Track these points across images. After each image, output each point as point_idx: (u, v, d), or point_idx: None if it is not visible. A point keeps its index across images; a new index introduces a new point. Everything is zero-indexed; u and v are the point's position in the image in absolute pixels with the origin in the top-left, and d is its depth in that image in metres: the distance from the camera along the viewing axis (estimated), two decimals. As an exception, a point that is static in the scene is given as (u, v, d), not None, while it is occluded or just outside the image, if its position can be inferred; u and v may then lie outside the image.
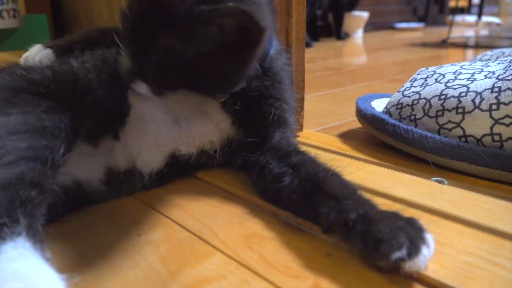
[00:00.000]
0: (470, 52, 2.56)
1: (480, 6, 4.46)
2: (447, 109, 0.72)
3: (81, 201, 0.62)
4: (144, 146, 0.64)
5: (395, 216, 0.46)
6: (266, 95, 0.63)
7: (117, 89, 0.62)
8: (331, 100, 1.34)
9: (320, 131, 0.97)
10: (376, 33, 4.09)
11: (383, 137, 0.79)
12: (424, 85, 0.80)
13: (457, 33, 3.71)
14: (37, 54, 0.67)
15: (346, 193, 0.49)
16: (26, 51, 0.71)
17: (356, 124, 0.99)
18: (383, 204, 0.50)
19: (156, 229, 0.56)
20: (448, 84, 0.75)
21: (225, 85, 0.59)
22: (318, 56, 2.48)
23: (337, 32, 3.59)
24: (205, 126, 0.65)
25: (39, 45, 0.69)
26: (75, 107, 0.57)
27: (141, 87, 0.59)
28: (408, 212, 0.48)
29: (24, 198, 0.41)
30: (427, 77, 0.83)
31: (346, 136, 0.92)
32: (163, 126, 0.64)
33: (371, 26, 4.23)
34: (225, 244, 0.52)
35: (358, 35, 3.81)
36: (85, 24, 1.63)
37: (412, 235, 0.43)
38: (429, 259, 0.43)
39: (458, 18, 4.37)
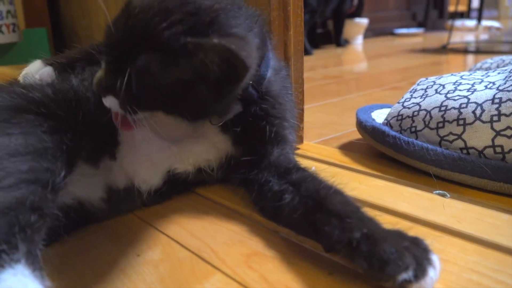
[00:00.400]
0: (470, 58, 2.56)
1: (480, 10, 4.47)
2: (448, 121, 0.71)
3: (82, 221, 0.61)
4: (139, 165, 0.63)
5: (400, 235, 0.45)
6: (264, 116, 0.62)
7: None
8: (331, 110, 1.33)
9: (320, 143, 0.96)
10: (376, 39, 4.09)
11: (383, 149, 0.79)
12: (424, 96, 0.80)
13: (457, 38, 3.71)
14: (37, 71, 0.66)
15: (349, 211, 0.48)
16: (26, 66, 0.70)
17: (356, 135, 0.98)
18: (385, 219, 0.49)
19: (155, 248, 0.55)
20: (448, 95, 0.75)
21: (201, 113, 0.58)
22: (319, 64, 2.48)
23: (337, 39, 3.59)
24: (201, 145, 0.64)
25: (39, 61, 0.68)
26: (76, 128, 0.56)
27: (112, 102, 0.56)
28: (410, 227, 0.47)
29: (23, 223, 0.40)
30: (427, 87, 0.82)
31: (347, 148, 0.91)
32: (154, 144, 0.63)
33: (371, 32, 4.23)
34: (225, 264, 0.51)
35: (358, 42, 3.81)
36: (85, 38, 1.63)
37: (418, 256, 0.42)
38: (435, 281, 0.42)
39: (458, 23, 4.37)
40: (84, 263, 0.53)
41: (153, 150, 0.63)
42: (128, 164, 0.63)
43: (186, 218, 0.63)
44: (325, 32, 3.78)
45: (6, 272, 0.37)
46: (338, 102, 1.44)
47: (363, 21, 3.76)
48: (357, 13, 3.69)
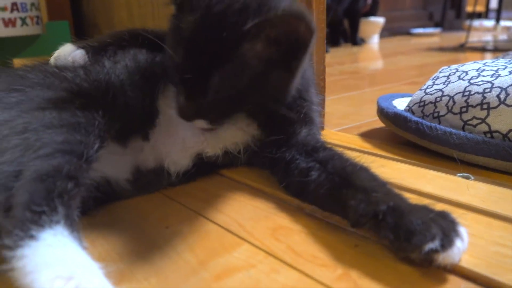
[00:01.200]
0: (488, 56, 2.54)
1: (498, 11, 4.42)
2: (471, 105, 0.72)
3: (109, 197, 0.63)
4: (173, 147, 0.65)
5: (426, 209, 0.46)
6: (295, 97, 0.63)
7: (147, 91, 0.63)
8: (349, 102, 1.34)
9: (340, 131, 0.97)
10: (392, 39, 4.07)
11: (406, 135, 0.79)
12: (446, 83, 0.80)
13: (474, 38, 3.67)
14: (69, 54, 0.67)
15: (375, 186, 0.49)
16: (51, 55, 0.71)
17: (376, 124, 0.99)
18: (408, 198, 0.50)
19: (183, 222, 0.57)
20: (472, 81, 0.75)
21: (280, 97, 0.59)
22: (334, 61, 2.48)
23: (353, 38, 3.59)
24: (229, 129, 0.66)
25: (70, 44, 0.69)
26: (107, 107, 0.58)
27: (201, 124, 0.60)
28: (434, 205, 0.47)
29: (61, 189, 0.42)
30: (449, 75, 0.82)
31: (368, 135, 0.92)
32: (189, 129, 0.65)
33: (387, 32, 4.21)
34: (252, 236, 0.52)
35: (374, 41, 3.80)
36: (106, 30, 1.66)
37: (445, 227, 0.42)
38: (463, 252, 0.43)
39: (476, 23, 4.33)
40: (115, 234, 0.54)
41: (188, 134, 0.65)
42: (162, 146, 0.65)
43: (212, 196, 0.64)
44: (341, 31, 3.77)
45: (46, 232, 0.38)
46: (356, 96, 1.45)
47: (380, 20, 3.75)
48: (372, 12, 3.67)
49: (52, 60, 0.68)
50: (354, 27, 3.57)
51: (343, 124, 1.03)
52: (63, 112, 0.53)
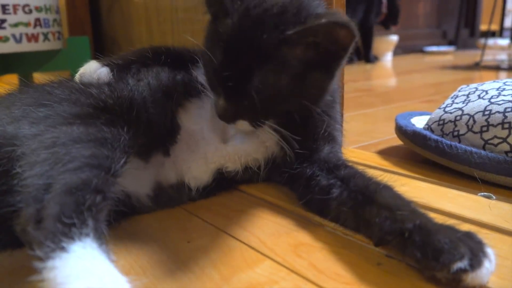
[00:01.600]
0: (503, 75, 2.52)
1: (512, 30, 4.41)
2: (492, 125, 0.71)
3: (129, 211, 0.63)
4: (193, 162, 0.66)
5: (452, 228, 0.46)
6: (322, 112, 0.64)
7: (169, 108, 0.65)
8: (365, 120, 1.34)
9: (358, 148, 0.97)
10: (405, 57, 4.07)
11: (425, 153, 0.79)
12: (466, 102, 0.80)
13: (489, 57, 3.66)
14: (94, 71, 0.68)
15: (400, 204, 0.49)
16: (76, 71, 0.72)
17: (394, 142, 0.99)
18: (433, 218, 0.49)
19: (204, 237, 0.57)
20: (492, 100, 0.75)
21: (319, 98, 0.61)
22: (348, 79, 2.48)
23: (366, 55, 3.59)
24: (251, 144, 0.67)
25: (95, 62, 0.70)
26: (131, 123, 0.59)
27: (242, 125, 0.61)
28: (457, 225, 0.47)
29: (90, 202, 0.43)
30: (469, 93, 0.82)
31: (386, 153, 0.92)
32: (211, 144, 0.66)
33: (401, 50, 4.22)
34: (274, 252, 0.52)
35: (388, 58, 3.80)
36: (125, 46, 1.69)
37: (473, 247, 0.42)
38: (491, 273, 0.42)
39: (490, 41, 4.31)
40: (137, 247, 0.55)
41: (210, 149, 0.66)
42: (183, 161, 0.66)
43: (232, 211, 0.64)
44: (354, 48, 3.78)
45: (76, 244, 0.39)
46: (372, 113, 1.45)
47: (393, 38, 3.76)
48: (391, 20, 3.59)
49: (77, 76, 0.69)
50: (367, 44, 3.58)
51: (360, 142, 1.03)
52: (90, 127, 0.54)
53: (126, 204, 0.62)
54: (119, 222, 0.61)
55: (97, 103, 0.59)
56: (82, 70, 0.69)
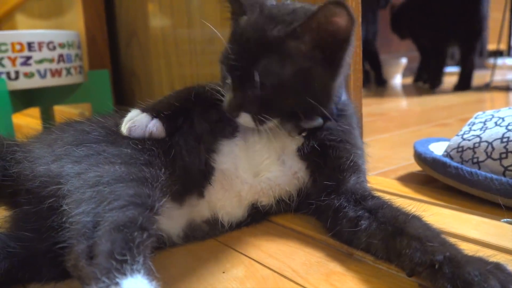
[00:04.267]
0: (514, 96, 2.54)
1: (520, 49, 4.43)
2: (511, 151, 0.74)
3: (161, 246, 0.65)
4: (228, 200, 0.68)
5: (482, 260, 0.47)
6: (343, 140, 0.67)
7: (202, 153, 0.67)
8: (381, 145, 1.36)
9: (377, 175, 0.99)
10: (414, 79, 4.10)
11: (445, 180, 0.81)
12: (484, 129, 0.82)
13: (498, 76, 3.67)
14: (145, 125, 0.64)
15: (430, 235, 0.50)
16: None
17: (413, 168, 1.01)
18: (455, 244, 0.51)
19: (238, 267, 0.59)
20: (510, 127, 0.77)
21: (324, 96, 0.64)
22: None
23: (377, 78, 3.62)
24: (284, 176, 0.68)
25: (143, 114, 0.65)
26: (168, 165, 0.61)
27: (245, 119, 0.64)
28: (481, 251, 0.49)
29: (139, 239, 0.45)
30: (485, 121, 0.85)
31: (406, 179, 0.94)
32: (245, 181, 0.68)
33: (409, 71, 4.25)
34: (308, 281, 0.54)
35: (397, 81, 3.84)
36: (143, 78, 1.75)
37: (502, 279, 0.43)
38: None
39: (499, 61, 4.34)
40: (176, 279, 0.57)
41: (244, 187, 0.68)
42: (217, 200, 0.67)
43: (263, 242, 0.66)
44: (363, 72, 3.83)
45: (128, 280, 0.41)
46: (387, 138, 1.47)
47: (402, 61, 3.80)
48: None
49: (125, 129, 0.64)
50: (376, 67, 3.62)
51: (379, 168, 1.05)
52: (130, 167, 0.57)
53: (158, 240, 0.64)
54: (154, 254, 0.63)
55: (135, 145, 0.61)
56: (131, 123, 0.64)
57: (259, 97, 0.61)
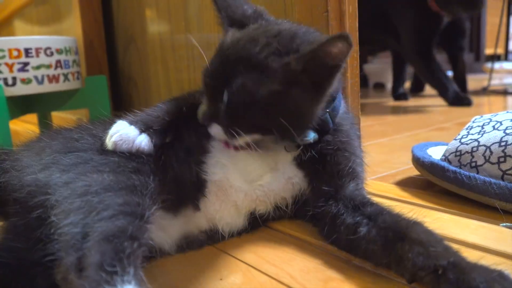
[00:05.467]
0: (510, 100, 2.54)
1: (518, 53, 4.45)
2: (509, 155, 0.73)
3: (155, 255, 0.64)
4: (225, 211, 0.67)
5: (486, 268, 0.46)
6: (341, 149, 0.66)
7: (192, 164, 0.66)
8: (380, 150, 1.36)
9: (376, 180, 0.99)
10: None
11: (444, 184, 0.80)
12: (481, 133, 0.82)
13: (495, 81, 3.69)
14: (132, 140, 0.61)
15: (433, 241, 0.50)
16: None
17: (411, 172, 1.00)
18: (454, 248, 0.50)
19: (236, 274, 0.59)
20: (507, 131, 0.77)
21: (299, 119, 0.61)
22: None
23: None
24: (277, 182, 0.67)
25: (130, 127, 0.62)
26: (157, 172, 0.60)
27: (216, 130, 0.63)
28: (481, 257, 0.48)
29: (129, 250, 0.44)
30: (483, 124, 0.84)
31: (404, 184, 0.93)
32: (240, 190, 0.67)
33: (407, 76, 4.26)
34: (305, 287, 0.54)
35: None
36: (141, 83, 1.74)
37: (507, 287, 0.43)
38: None
39: (496, 65, 4.35)
40: (170, 285, 0.57)
41: (239, 196, 0.67)
42: (215, 212, 0.67)
43: (260, 248, 0.66)
44: (360, 76, 3.83)
45: None
46: (386, 142, 1.47)
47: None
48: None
49: (110, 143, 0.61)
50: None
51: (377, 173, 1.05)
52: (119, 175, 0.56)
53: (152, 251, 0.63)
54: (149, 261, 0.62)
55: (122, 152, 0.60)
56: (116, 136, 0.61)
57: (230, 111, 0.60)
